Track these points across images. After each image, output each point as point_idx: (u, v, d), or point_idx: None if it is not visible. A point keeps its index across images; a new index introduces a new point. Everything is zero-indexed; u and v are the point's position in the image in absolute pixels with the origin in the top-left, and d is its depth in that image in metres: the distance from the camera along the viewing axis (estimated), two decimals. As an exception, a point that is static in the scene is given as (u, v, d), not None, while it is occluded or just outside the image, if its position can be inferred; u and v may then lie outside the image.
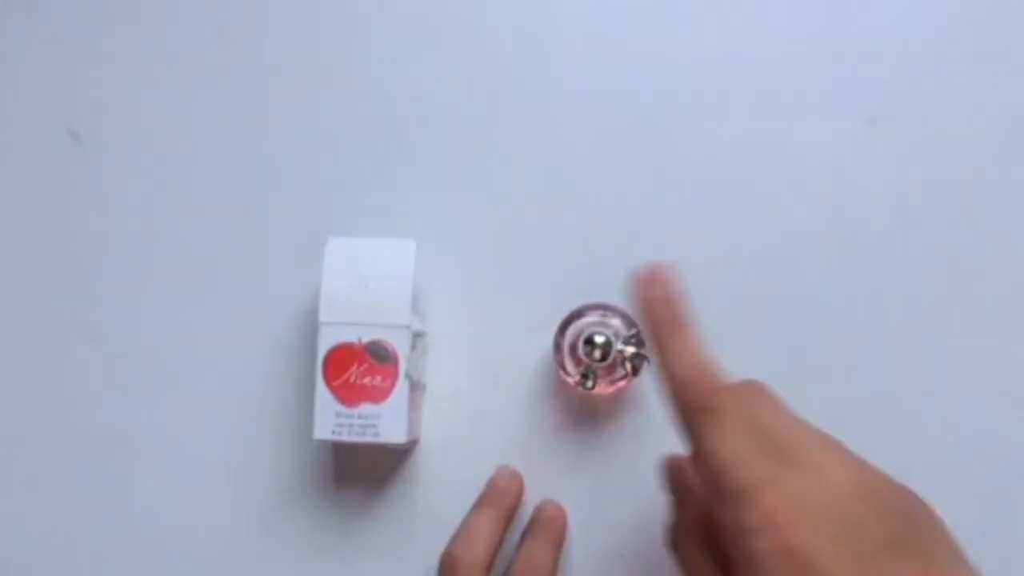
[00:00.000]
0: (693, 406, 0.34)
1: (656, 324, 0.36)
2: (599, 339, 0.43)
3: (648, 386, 0.46)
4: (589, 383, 0.44)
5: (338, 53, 0.50)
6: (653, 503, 0.45)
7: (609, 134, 0.49)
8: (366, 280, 0.43)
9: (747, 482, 0.31)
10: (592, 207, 0.48)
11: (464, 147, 0.49)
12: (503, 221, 0.49)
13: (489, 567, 0.41)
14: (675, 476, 0.40)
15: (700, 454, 0.33)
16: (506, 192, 0.49)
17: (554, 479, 0.46)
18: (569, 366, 0.45)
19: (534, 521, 0.45)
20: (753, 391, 0.35)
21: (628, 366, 0.44)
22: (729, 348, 0.47)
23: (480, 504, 0.44)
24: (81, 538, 0.48)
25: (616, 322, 0.44)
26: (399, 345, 0.43)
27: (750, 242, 0.47)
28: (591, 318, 0.45)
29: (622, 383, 0.44)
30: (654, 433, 0.46)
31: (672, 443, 0.46)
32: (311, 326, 0.46)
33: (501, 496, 0.44)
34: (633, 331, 0.44)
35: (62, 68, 0.51)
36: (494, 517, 0.43)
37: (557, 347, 0.45)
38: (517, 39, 0.50)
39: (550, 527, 0.44)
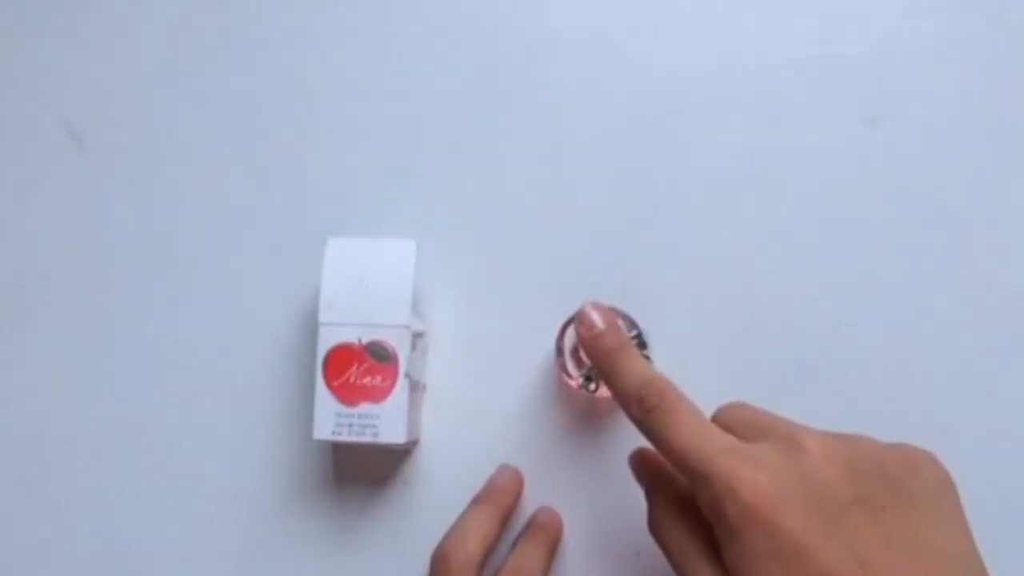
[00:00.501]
0: (645, 406, 0.36)
1: (596, 358, 0.40)
2: None
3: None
4: (592, 386, 0.44)
5: (338, 53, 0.50)
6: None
7: (609, 134, 0.49)
8: (366, 280, 0.43)
9: (708, 454, 0.33)
10: (592, 207, 0.48)
11: (464, 147, 0.49)
12: (503, 221, 0.49)
13: (482, 566, 0.41)
14: (644, 465, 0.40)
15: (662, 446, 0.35)
16: (506, 192, 0.49)
17: (555, 481, 0.46)
18: (571, 368, 0.45)
19: (529, 525, 0.45)
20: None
21: None
22: (727, 348, 0.48)
23: (477, 501, 0.44)
24: (80, 538, 0.48)
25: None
26: (399, 345, 0.43)
27: (750, 242, 0.47)
28: None
29: None
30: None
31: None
32: (311, 326, 0.46)
33: (499, 494, 0.44)
34: (634, 332, 0.44)
35: (62, 69, 0.51)
36: (490, 515, 0.43)
37: (559, 350, 0.45)
38: (517, 39, 0.50)
39: (545, 532, 0.44)
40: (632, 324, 0.44)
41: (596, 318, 0.40)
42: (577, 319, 0.41)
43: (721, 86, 0.49)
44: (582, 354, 0.43)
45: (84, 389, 0.49)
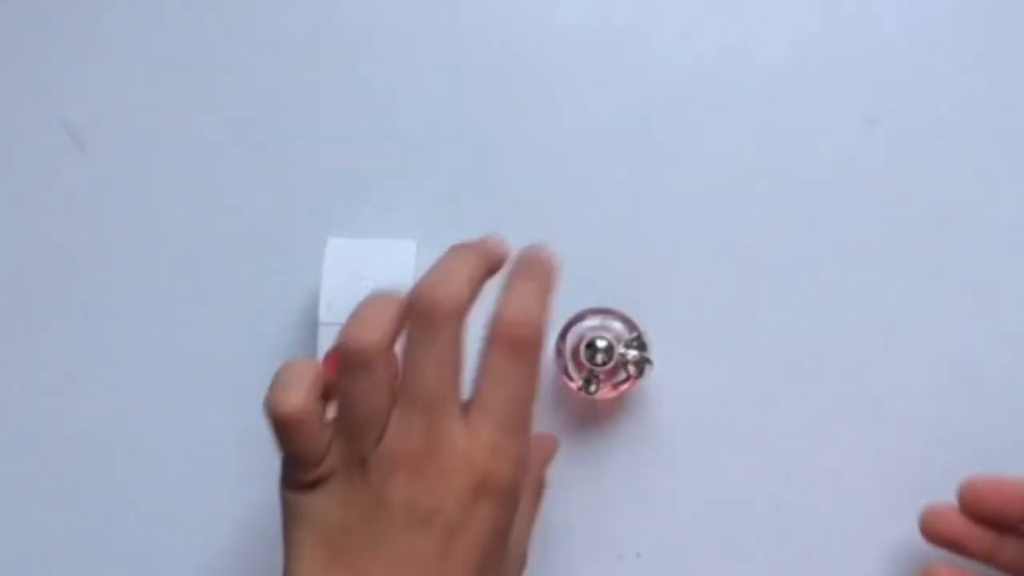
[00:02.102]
0: None
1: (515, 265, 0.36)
2: (601, 343, 0.43)
3: (651, 389, 0.46)
4: (592, 388, 0.44)
5: (338, 53, 0.50)
6: (656, 506, 0.46)
7: (609, 134, 0.49)
8: (366, 280, 0.43)
9: None
10: (592, 208, 0.48)
11: (464, 147, 0.49)
12: (503, 221, 0.48)
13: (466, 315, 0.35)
14: (952, 524, 0.39)
15: None
16: (506, 193, 0.49)
17: (555, 482, 0.46)
18: (572, 371, 0.45)
19: (518, 263, 0.37)
20: None
21: (631, 369, 0.43)
22: (727, 347, 0.48)
23: (457, 248, 0.37)
24: (80, 539, 0.48)
25: (617, 325, 0.44)
26: (399, 346, 0.43)
27: (750, 242, 0.47)
28: (591, 322, 0.45)
29: (624, 387, 0.44)
30: (658, 436, 0.46)
31: (675, 445, 0.46)
32: (311, 326, 0.46)
33: (487, 248, 0.37)
34: (634, 334, 0.44)
35: (62, 69, 0.51)
36: (475, 263, 0.36)
37: (559, 353, 0.45)
38: (517, 39, 0.50)
39: (539, 270, 0.37)
40: (632, 326, 0.44)
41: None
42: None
43: (721, 86, 0.49)
44: (582, 357, 0.43)
45: (84, 389, 0.49)
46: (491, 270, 0.37)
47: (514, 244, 0.48)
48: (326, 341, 0.43)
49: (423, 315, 0.34)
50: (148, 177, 0.50)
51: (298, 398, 0.34)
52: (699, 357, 0.47)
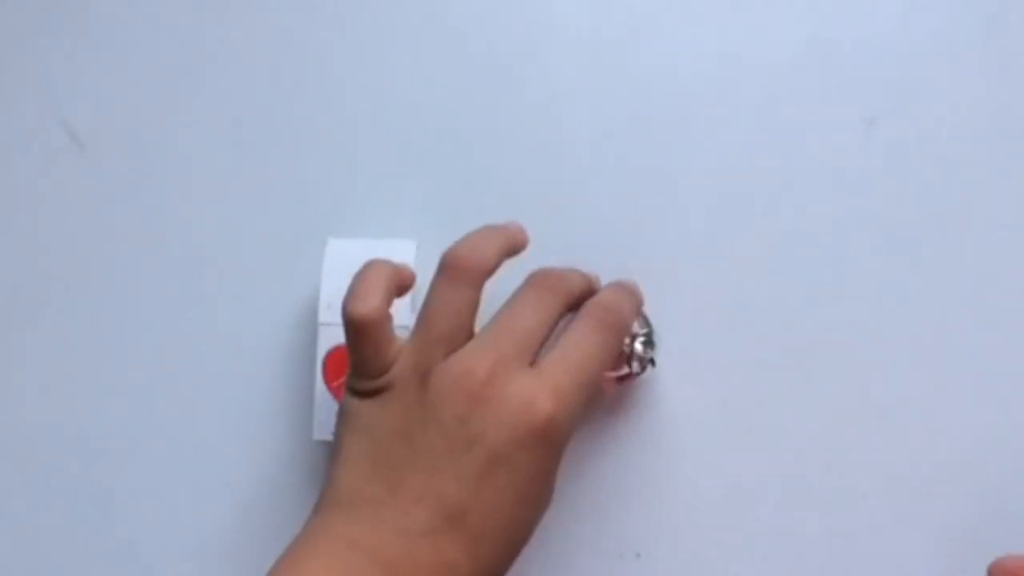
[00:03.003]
0: None
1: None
2: None
3: (651, 388, 0.46)
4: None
5: (338, 53, 0.50)
6: (656, 505, 0.46)
7: (609, 134, 0.49)
8: (366, 280, 0.43)
9: None
10: (592, 207, 0.48)
11: (464, 147, 0.49)
12: (503, 221, 0.48)
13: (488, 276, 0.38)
14: None
15: None
16: (506, 193, 0.49)
17: (558, 477, 0.46)
18: None
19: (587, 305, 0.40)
20: None
21: (634, 365, 0.43)
22: (727, 347, 0.48)
23: (486, 227, 0.41)
24: (79, 539, 0.48)
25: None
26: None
27: (750, 242, 0.47)
28: None
29: (624, 381, 0.44)
30: (657, 436, 0.46)
31: (675, 444, 0.46)
32: (311, 327, 0.46)
33: (512, 231, 0.41)
34: (645, 330, 0.43)
35: (62, 69, 0.51)
36: (503, 239, 0.40)
37: None
38: (517, 39, 0.50)
39: (635, 288, 0.42)
40: (645, 321, 0.44)
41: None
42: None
43: (720, 86, 0.49)
44: None
45: (83, 389, 0.49)
46: (513, 249, 0.40)
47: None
48: (326, 341, 0.43)
49: (449, 275, 0.37)
50: (148, 177, 0.50)
51: (375, 301, 0.36)
52: (699, 356, 0.47)
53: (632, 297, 0.41)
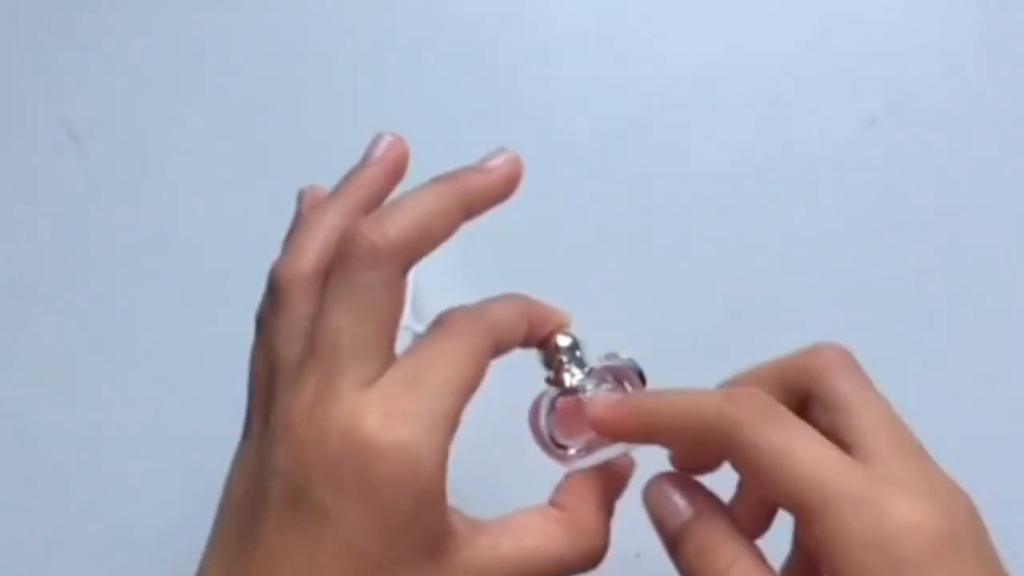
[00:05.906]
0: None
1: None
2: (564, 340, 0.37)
3: (653, 385, 0.46)
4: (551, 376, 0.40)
5: (339, 54, 0.50)
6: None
7: (609, 135, 0.49)
8: (366, 281, 0.43)
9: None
10: (592, 207, 0.48)
11: (464, 147, 0.49)
12: (504, 221, 0.48)
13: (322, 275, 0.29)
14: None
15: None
16: (506, 192, 0.49)
17: (553, 483, 0.46)
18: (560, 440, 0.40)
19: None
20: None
21: (567, 377, 0.38)
22: (728, 350, 0.47)
23: (428, 181, 0.31)
24: (79, 538, 0.48)
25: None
26: (399, 346, 0.43)
27: (749, 242, 0.47)
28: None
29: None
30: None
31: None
32: (311, 326, 0.46)
33: (463, 181, 0.31)
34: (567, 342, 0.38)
35: (62, 69, 0.51)
36: (435, 198, 0.30)
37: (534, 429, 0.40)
38: (517, 39, 0.50)
39: (516, 297, 0.33)
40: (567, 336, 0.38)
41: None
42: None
43: (721, 86, 0.49)
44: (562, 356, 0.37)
45: (83, 389, 0.49)
46: (465, 207, 0.30)
47: (515, 245, 0.48)
48: (326, 341, 0.43)
49: (345, 255, 0.28)
50: (148, 177, 0.50)
51: (310, 261, 0.30)
52: (698, 356, 0.47)
53: (510, 304, 0.33)
